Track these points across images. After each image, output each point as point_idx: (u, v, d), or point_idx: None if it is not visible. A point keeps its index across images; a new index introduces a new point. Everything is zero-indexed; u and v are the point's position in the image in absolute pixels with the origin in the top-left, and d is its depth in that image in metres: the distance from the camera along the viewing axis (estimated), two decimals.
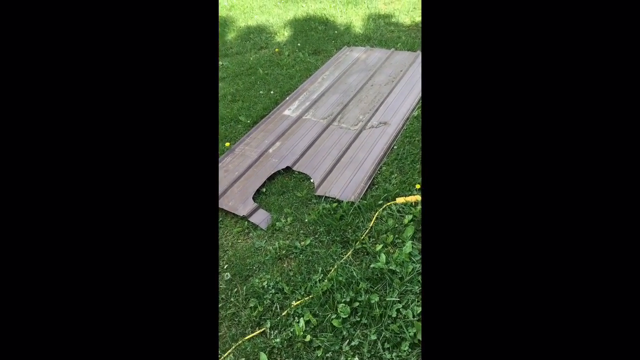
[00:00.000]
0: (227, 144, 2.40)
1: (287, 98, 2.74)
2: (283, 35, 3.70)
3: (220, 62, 3.43)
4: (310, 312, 1.45)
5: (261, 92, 2.87)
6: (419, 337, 1.31)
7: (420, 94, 2.53)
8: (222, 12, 4.44)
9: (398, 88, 2.64)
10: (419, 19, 3.54)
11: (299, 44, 3.46)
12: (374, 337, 1.34)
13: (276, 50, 3.43)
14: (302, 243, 1.72)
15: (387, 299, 1.43)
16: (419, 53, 3.00)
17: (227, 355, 1.40)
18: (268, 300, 1.53)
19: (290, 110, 2.61)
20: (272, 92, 2.84)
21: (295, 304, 1.49)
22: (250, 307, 1.52)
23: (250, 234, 1.83)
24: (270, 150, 2.27)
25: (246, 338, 1.44)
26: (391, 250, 1.62)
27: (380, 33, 3.42)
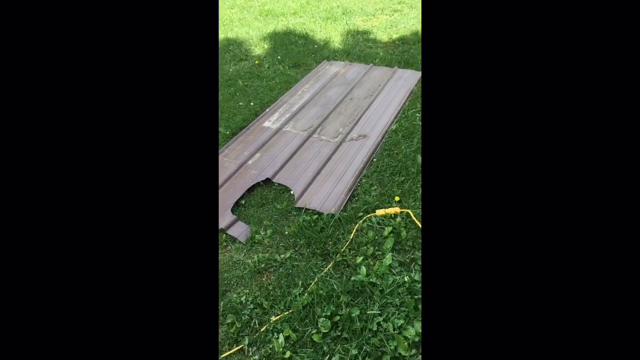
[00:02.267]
0: None
1: (267, 110, 2.73)
2: (263, 48, 3.71)
3: None
4: (290, 327, 1.42)
5: (241, 103, 2.85)
6: (400, 350, 1.30)
7: (398, 108, 2.58)
8: None
9: (377, 102, 2.69)
10: (395, 35, 3.65)
11: (279, 57, 3.48)
12: (355, 352, 1.32)
13: (256, 62, 3.44)
14: (282, 256, 1.69)
15: (368, 312, 1.42)
16: (396, 69, 3.08)
17: None
18: (246, 316, 1.48)
19: (270, 122, 2.60)
20: (252, 103, 2.83)
21: (274, 319, 1.46)
22: (228, 324, 1.47)
23: (229, 247, 1.78)
24: (250, 162, 2.24)
25: (223, 356, 1.38)
26: (371, 263, 1.61)
27: (359, 48, 3.50)
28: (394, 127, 2.41)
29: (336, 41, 3.70)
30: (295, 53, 3.52)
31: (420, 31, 3.67)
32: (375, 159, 2.17)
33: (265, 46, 3.73)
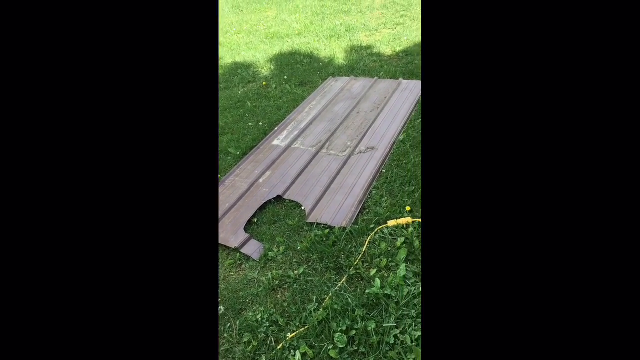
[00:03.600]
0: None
1: (276, 128, 2.78)
2: (270, 69, 3.82)
3: None
4: (307, 343, 1.41)
5: (250, 124, 2.92)
6: None
7: (405, 118, 2.60)
8: None
9: (383, 114, 2.71)
10: (399, 48, 3.70)
11: (285, 77, 3.56)
12: None
13: (264, 83, 3.53)
14: (296, 272, 1.69)
15: (384, 325, 1.40)
16: (401, 80, 3.11)
17: None
18: (262, 334, 1.48)
19: (279, 140, 2.65)
20: (260, 123, 2.90)
21: (290, 336, 1.45)
22: (245, 342, 1.47)
23: (243, 266, 1.80)
24: (261, 180, 2.28)
25: None
26: (386, 274, 1.60)
27: (364, 63, 3.55)
28: (401, 137, 2.42)
29: (341, 58, 3.77)
30: (301, 72, 3.61)
31: None
32: (384, 170, 2.17)
33: (272, 67, 3.83)
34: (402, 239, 1.70)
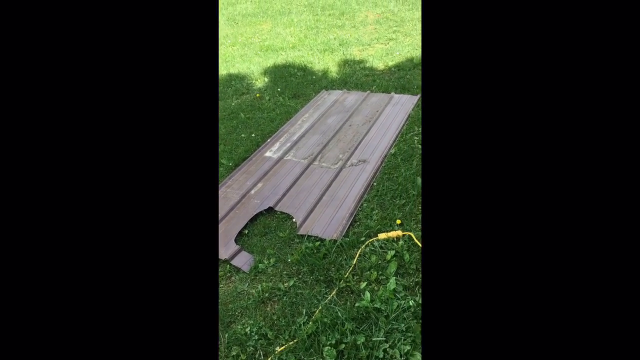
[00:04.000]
0: None
1: (269, 140, 2.80)
2: (264, 81, 3.85)
3: None
4: (296, 357, 1.40)
5: (243, 135, 2.93)
6: None
7: (396, 132, 2.63)
8: None
9: (375, 127, 2.74)
10: (391, 63, 3.77)
11: (279, 89, 3.60)
12: None
13: (257, 95, 3.56)
14: (286, 284, 1.69)
15: (374, 339, 1.39)
16: (393, 94, 3.16)
17: None
18: (251, 348, 1.47)
19: (271, 151, 2.66)
20: (253, 135, 2.91)
21: (279, 349, 1.44)
22: (233, 356, 1.46)
23: (233, 278, 1.79)
24: (252, 192, 2.28)
25: None
26: (375, 288, 1.60)
27: (356, 77, 3.61)
28: (392, 151, 2.45)
29: (334, 71, 3.83)
30: (295, 84, 3.65)
31: (415, 57, 3.79)
32: (375, 183, 2.20)
33: (266, 79, 3.87)
34: (392, 252, 1.71)
